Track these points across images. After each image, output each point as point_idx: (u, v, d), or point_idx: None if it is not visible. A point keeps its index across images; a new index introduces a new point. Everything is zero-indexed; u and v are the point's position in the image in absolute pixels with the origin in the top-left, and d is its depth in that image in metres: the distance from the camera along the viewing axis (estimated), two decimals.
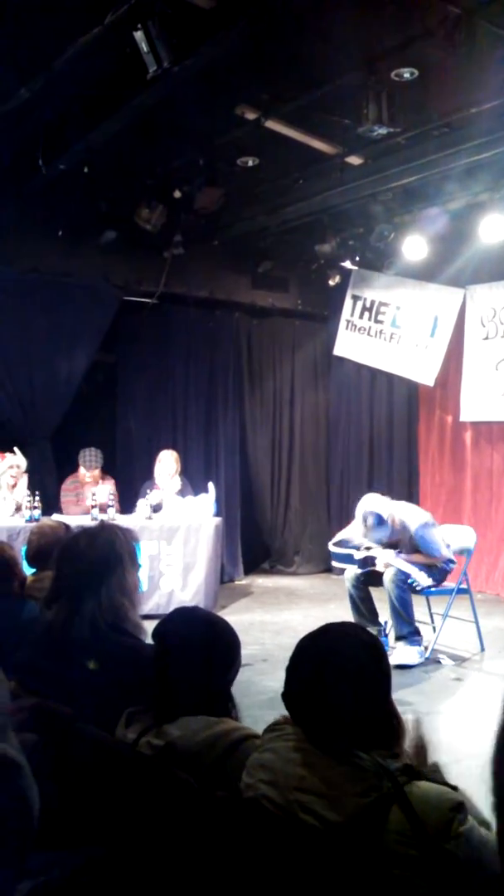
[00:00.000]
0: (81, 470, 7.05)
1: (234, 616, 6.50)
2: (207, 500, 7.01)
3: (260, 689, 4.43)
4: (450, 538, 5.77)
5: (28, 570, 3.79)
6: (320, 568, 8.86)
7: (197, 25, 4.31)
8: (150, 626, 2.15)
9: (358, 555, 5.51)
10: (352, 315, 8.77)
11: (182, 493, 7.18)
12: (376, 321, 8.56)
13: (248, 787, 1.56)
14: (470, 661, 5.53)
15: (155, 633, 1.98)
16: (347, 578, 5.63)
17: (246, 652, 2.10)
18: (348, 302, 8.78)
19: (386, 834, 1.41)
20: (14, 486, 6.63)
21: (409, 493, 8.06)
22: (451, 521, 7.02)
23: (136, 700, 1.94)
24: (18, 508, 6.48)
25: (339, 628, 1.66)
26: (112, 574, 2.35)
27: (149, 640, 2.12)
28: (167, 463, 7.23)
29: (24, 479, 6.68)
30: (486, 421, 7.81)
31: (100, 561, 2.35)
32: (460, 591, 5.65)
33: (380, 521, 5.31)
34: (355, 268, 8.36)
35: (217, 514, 7.11)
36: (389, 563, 5.34)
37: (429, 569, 5.42)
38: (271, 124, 5.73)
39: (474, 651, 5.68)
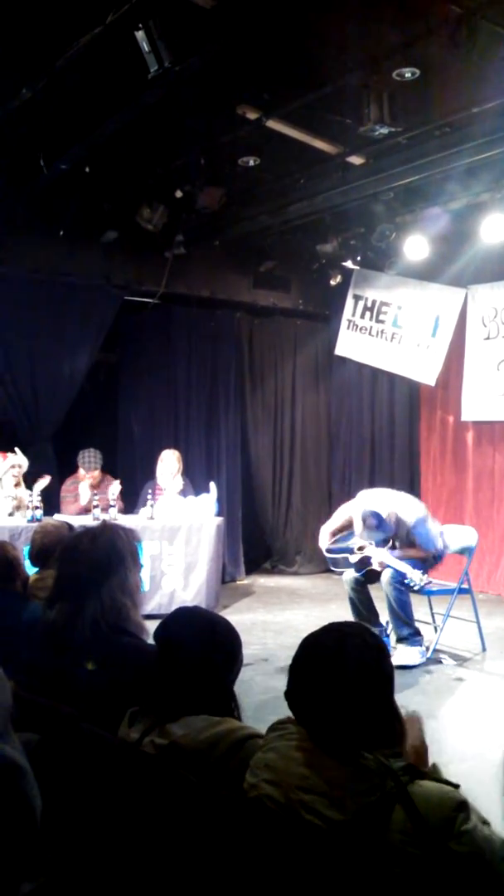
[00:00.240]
0: (81, 471, 7.05)
1: (236, 616, 6.51)
2: (209, 500, 7.01)
3: (261, 689, 4.44)
4: (451, 538, 5.76)
5: (31, 570, 3.79)
6: (322, 568, 8.84)
7: (198, 25, 4.31)
8: (151, 626, 2.15)
9: (353, 557, 5.49)
10: (353, 315, 8.77)
11: (184, 492, 7.18)
12: (378, 321, 8.56)
13: (251, 786, 1.55)
14: (471, 661, 5.53)
15: (157, 634, 1.98)
16: (346, 581, 5.62)
17: (247, 652, 2.10)
18: (349, 302, 8.78)
19: (389, 833, 1.41)
20: (17, 485, 6.64)
21: (410, 493, 8.01)
22: (453, 520, 7.02)
23: (139, 700, 1.94)
24: (19, 508, 6.48)
25: (342, 628, 1.66)
26: (114, 574, 2.35)
27: (150, 641, 2.12)
28: (169, 462, 7.23)
29: (44, 482, 6.67)
30: (488, 421, 7.81)
31: (102, 561, 2.35)
32: (462, 591, 5.65)
33: (380, 521, 5.29)
34: (357, 267, 8.35)
35: (218, 513, 7.11)
36: (384, 562, 5.33)
37: (423, 562, 5.41)
38: (272, 124, 5.73)
39: (476, 651, 5.68)
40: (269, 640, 6.00)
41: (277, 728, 1.62)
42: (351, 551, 5.51)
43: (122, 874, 1.45)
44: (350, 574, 5.56)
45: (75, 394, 7.67)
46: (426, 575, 5.24)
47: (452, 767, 1.67)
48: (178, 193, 6.64)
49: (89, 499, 6.78)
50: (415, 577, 5.12)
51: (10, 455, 6.72)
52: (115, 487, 6.94)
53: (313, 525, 9.10)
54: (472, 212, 6.95)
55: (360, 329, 8.72)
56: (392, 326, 8.43)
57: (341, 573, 5.66)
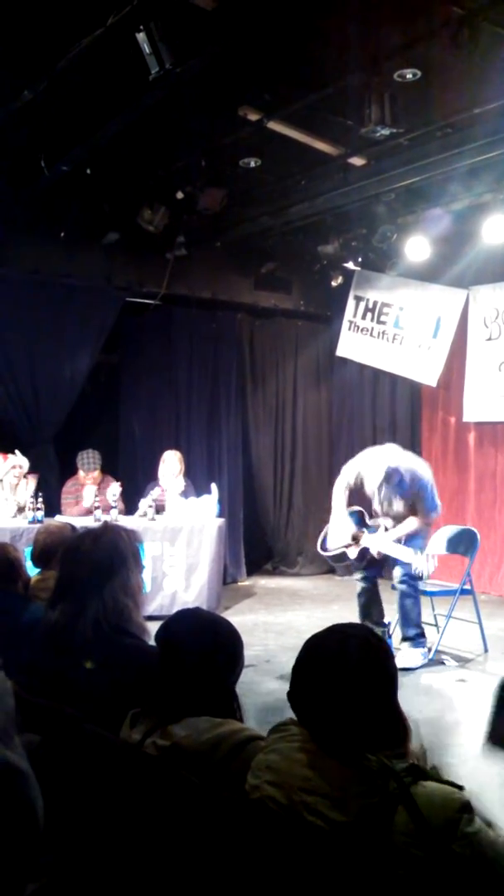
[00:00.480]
0: (80, 472, 7.05)
1: (237, 617, 6.51)
2: (210, 501, 7.01)
3: (263, 690, 4.44)
4: (452, 539, 5.76)
5: (33, 571, 3.79)
6: (323, 569, 8.84)
7: (199, 27, 4.31)
8: (153, 627, 2.15)
9: (351, 551, 5.47)
10: (354, 316, 8.77)
11: (185, 493, 7.17)
12: (379, 322, 8.56)
13: (253, 788, 1.55)
14: (473, 662, 5.53)
15: (158, 635, 1.98)
16: (356, 582, 5.62)
17: (249, 653, 2.10)
18: (351, 303, 8.78)
19: (392, 835, 1.41)
20: (17, 486, 6.64)
21: None
22: (455, 522, 7.01)
23: (140, 701, 1.93)
24: (21, 510, 6.48)
25: (345, 629, 1.65)
26: (116, 575, 2.35)
27: (152, 642, 2.12)
28: (171, 463, 7.23)
29: (33, 482, 6.68)
30: (490, 422, 7.81)
31: (103, 562, 2.35)
32: (464, 593, 5.65)
33: (400, 480, 5.27)
34: (358, 269, 8.36)
35: (220, 514, 7.11)
36: (382, 551, 5.31)
37: (422, 537, 5.40)
38: (274, 125, 5.73)
39: (478, 652, 5.68)
40: (270, 641, 5.99)
41: (280, 729, 1.62)
42: (346, 547, 5.47)
43: (125, 875, 1.45)
44: (359, 574, 5.55)
45: (76, 395, 7.68)
46: (428, 554, 5.22)
47: (455, 769, 1.66)
48: (180, 195, 6.64)
49: (92, 501, 6.77)
50: (419, 564, 5.08)
51: (10, 456, 6.72)
52: (114, 489, 6.93)
53: (315, 526, 9.10)
54: (474, 213, 6.95)
55: (362, 330, 8.72)
56: (393, 327, 8.42)
57: (342, 577, 5.65)
